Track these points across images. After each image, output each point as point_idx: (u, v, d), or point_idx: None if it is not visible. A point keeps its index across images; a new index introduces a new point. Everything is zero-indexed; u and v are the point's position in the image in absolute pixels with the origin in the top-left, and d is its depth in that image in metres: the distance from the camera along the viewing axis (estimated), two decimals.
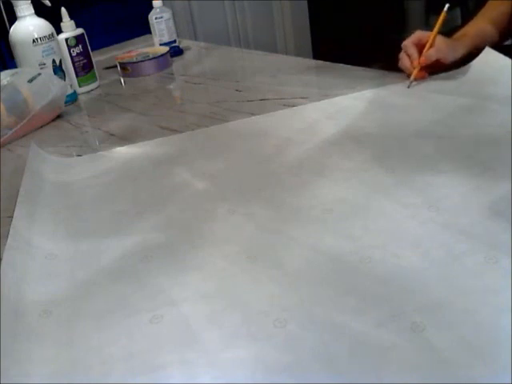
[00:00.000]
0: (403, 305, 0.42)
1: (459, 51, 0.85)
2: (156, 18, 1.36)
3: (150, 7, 1.36)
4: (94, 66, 1.16)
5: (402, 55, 0.87)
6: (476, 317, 0.40)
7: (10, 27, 1.03)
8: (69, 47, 1.10)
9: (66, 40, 1.09)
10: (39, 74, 0.97)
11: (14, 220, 0.61)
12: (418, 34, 0.86)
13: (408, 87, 0.84)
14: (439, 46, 0.84)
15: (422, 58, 0.84)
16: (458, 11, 2.27)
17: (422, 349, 0.38)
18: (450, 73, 0.86)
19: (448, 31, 0.87)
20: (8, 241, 0.57)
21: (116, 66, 1.25)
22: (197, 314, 0.45)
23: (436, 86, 0.84)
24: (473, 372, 0.36)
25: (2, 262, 0.53)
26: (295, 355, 0.39)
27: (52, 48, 1.03)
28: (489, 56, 0.80)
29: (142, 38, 1.52)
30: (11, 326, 0.46)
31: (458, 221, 0.51)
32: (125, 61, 1.22)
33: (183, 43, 1.44)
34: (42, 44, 1.01)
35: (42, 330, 0.46)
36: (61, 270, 0.54)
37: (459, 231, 0.50)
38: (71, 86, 1.08)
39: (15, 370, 0.42)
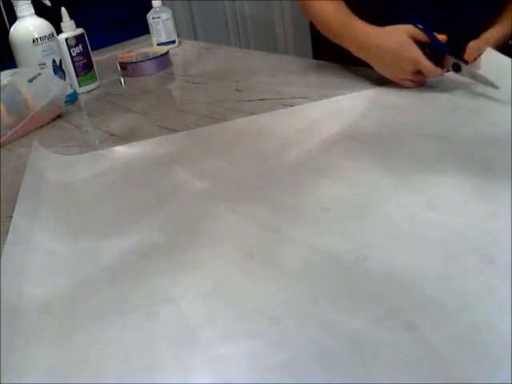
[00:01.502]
0: (398, 303, 0.42)
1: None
2: (153, 18, 1.36)
3: (151, 7, 1.36)
4: (94, 65, 1.16)
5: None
6: (471, 316, 0.40)
7: (10, 27, 1.03)
8: (69, 47, 1.10)
9: (66, 40, 1.10)
10: (39, 74, 0.97)
11: (14, 216, 0.61)
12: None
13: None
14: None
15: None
16: None
17: (417, 347, 0.38)
18: (451, 72, 0.86)
19: None
20: (8, 237, 0.57)
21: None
22: (194, 312, 0.45)
23: (436, 86, 0.84)
24: (467, 371, 0.36)
25: (2, 257, 0.53)
26: (290, 352, 0.39)
27: (52, 48, 1.03)
28: (490, 56, 0.80)
29: (141, 37, 1.52)
30: (10, 322, 0.46)
31: (455, 220, 0.51)
32: (125, 61, 1.22)
33: (183, 43, 1.45)
34: (42, 44, 1.01)
35: (40, 327, 0.46)
36: (60, 267, 0.54)
37: (456, 231, 0.50)
38: (71, 85, 1.08)
39: (13, 366, 0.42)
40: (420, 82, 0.83)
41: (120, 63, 1.22)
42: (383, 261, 0.47)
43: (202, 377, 0.39)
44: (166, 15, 1.37)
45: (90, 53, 1.14)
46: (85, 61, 1.13)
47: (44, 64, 1.02)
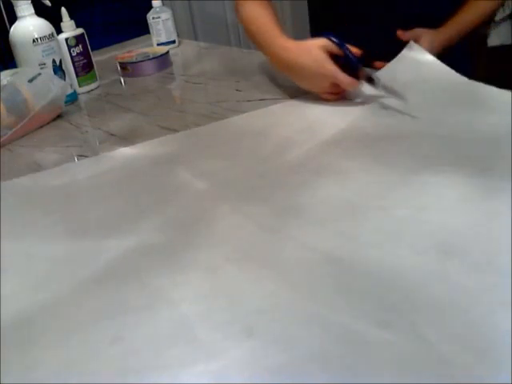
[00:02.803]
0: (400, 303, 0.42)
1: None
2: (153, 18, 1.36)
3: (151, 7, 1.36)
4: (94, 65, 1.16)
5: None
6: (471, 316, 0.40)
7: (10, 27, 1.03)
8: (69, 47, 1.10)
9: (66, 40, 1.10)
10: (39, 74, 0.97)
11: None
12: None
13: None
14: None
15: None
16: None
17: (419, 347, 0.38)
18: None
19: None
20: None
21: None
22: (194, 312, 0.45)
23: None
24: (467, 371, 0.36)
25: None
26: (289, 353, 0.39)
27: (52, 48, 1.03)
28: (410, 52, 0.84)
29: (141, 37, 1.52)
30: (10, 322, 0.46)
31: (455, 220, 0.51)
32: (125, 61, 1.22)
33: (183, 43, 1.45)
34: (42, 44, 1.01)
35: (40, 327, 0.46)
36: (60, 267, 0.54)
37: (455, 231, 0.50)
38: (71, 85, 1.08)
39: (12, 366, 0.42)
40: (340, 93, 0.84)
41: (120, 63, 1.22)
42: (383, 261, 0.47)
43: (201, 377, 0.39)
44: (165, 15, 1.37)
45: (90, 53, 1.14)
46: (85, 61, 1.13)
47: (44, 64, 1.02)
